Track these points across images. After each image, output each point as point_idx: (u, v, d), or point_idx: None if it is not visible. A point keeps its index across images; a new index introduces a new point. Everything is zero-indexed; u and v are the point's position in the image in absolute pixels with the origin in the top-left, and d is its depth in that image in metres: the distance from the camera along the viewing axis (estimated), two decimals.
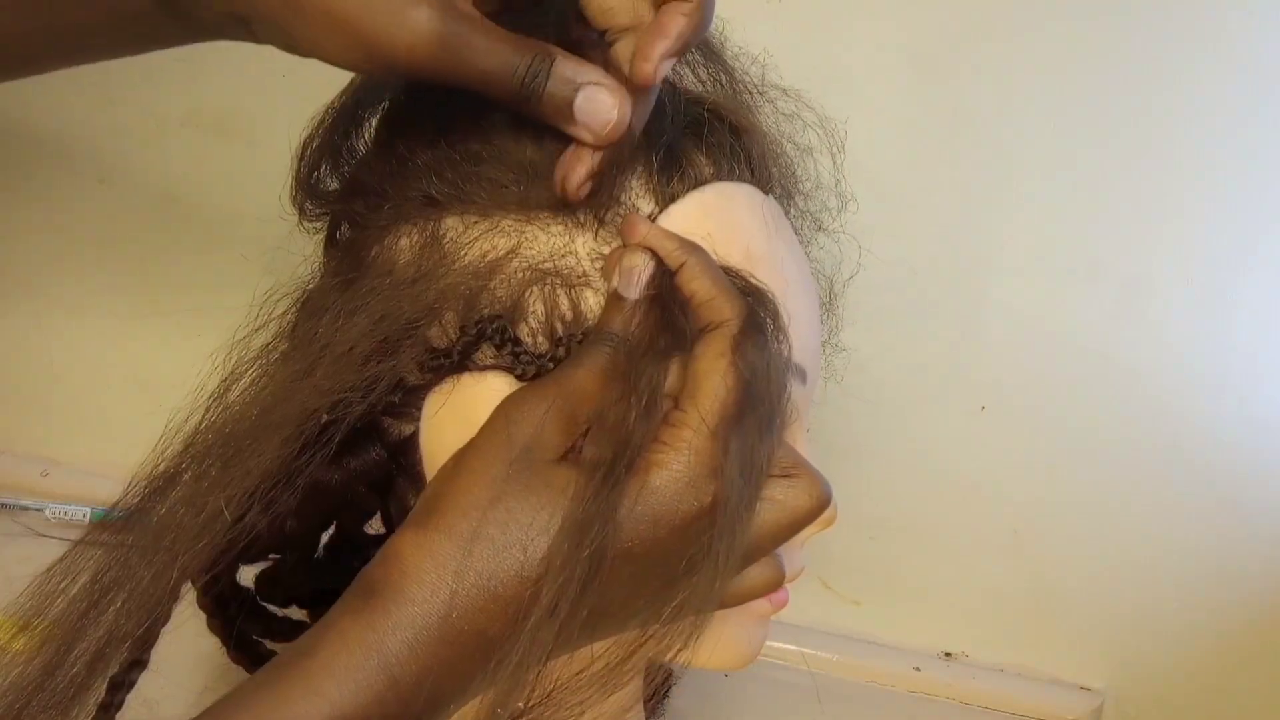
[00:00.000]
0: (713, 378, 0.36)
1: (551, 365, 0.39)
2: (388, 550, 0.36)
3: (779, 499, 0.38)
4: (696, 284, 0.38)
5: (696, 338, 0.37)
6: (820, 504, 0.39)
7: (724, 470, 0.35)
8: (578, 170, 0.38)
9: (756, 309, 0.39)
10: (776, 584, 0.40)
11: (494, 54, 0.35)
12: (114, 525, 0.40)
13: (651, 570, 0.36)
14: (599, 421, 0.36)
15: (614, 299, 0.38)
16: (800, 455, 0.40)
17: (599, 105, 0.37)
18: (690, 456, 0.35)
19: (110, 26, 0.40)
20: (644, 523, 0.35)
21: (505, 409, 0.37)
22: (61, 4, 0.39)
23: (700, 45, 0.46)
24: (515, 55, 0.36)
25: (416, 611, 0.34)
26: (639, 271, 0.37)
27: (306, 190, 0.46)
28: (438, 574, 0.34)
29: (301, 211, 0.47)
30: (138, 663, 0.42)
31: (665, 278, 0.38)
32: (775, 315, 0.40)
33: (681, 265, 0.38)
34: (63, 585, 0.39)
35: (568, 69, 0.36)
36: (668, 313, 0.38)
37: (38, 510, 0.75)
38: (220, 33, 0.38)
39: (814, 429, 0.48)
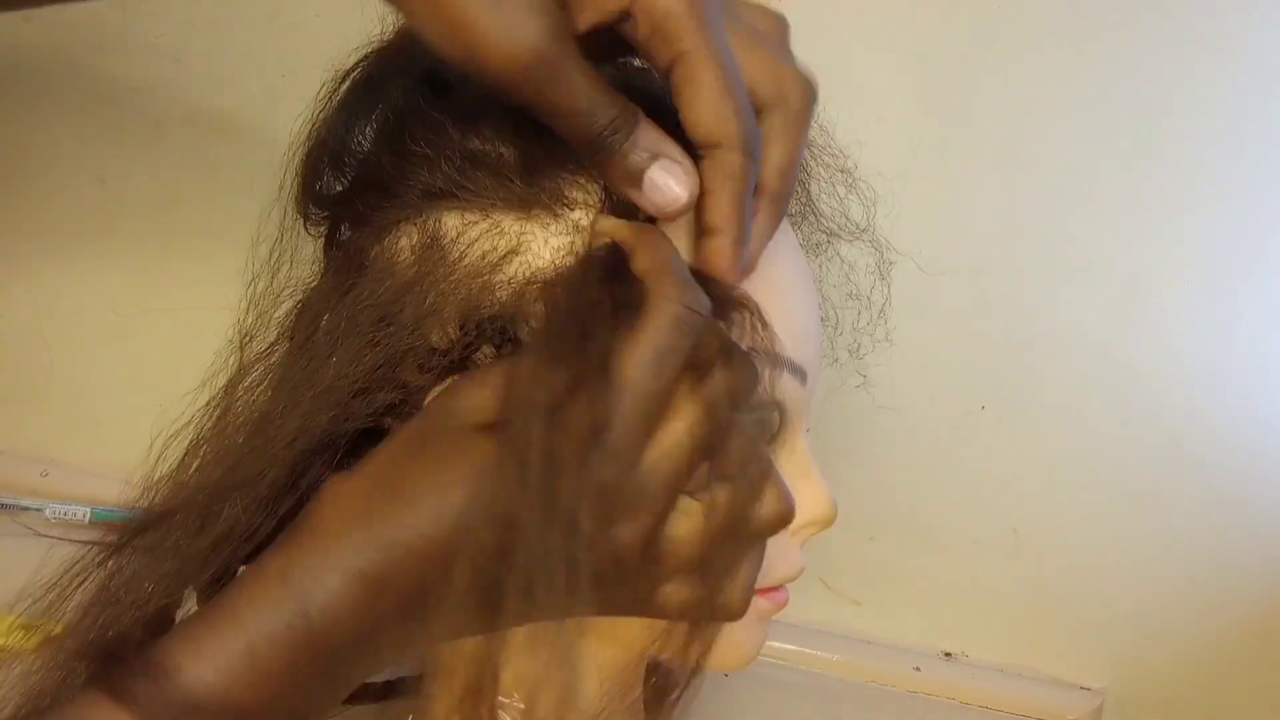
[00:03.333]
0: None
1: None
2: (322, 490, 0.36)
3: (723, 504, 0.36)
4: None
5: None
6: (780, 520, 0.37)
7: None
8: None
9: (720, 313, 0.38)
10: (737, 609, 0.38)
11: (584, 95, 0.35)
12: (118, 527, 0.40)
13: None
14: (527, 399, 0.35)
15: (555, 280, 0.38)
16: (770, 466, 0.38)
17: (670, 183, 0.37)
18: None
19: None
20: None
21: (456, 382, 0.37)
22: None
23: None
24: (603, 104, 0.35)
25: (333, 553, 0.34)
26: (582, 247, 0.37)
27: (311, 196, 0.46)
28: (356, 519, 0.34)
29: (305, 217, 0.47)
30: None
31: (608, 256, 0.37)
32: (760, 323, 0.40)
33: (632, 249, 0.37)
34: (67, 588, 0.39)
35: (650, 138, 0.36)
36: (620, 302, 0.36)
37: (38, 510, 0.75)
38: None
39: (814, 429, 0.48)
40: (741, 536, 0.37)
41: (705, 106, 0.35)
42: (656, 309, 0.35)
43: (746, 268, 0.38)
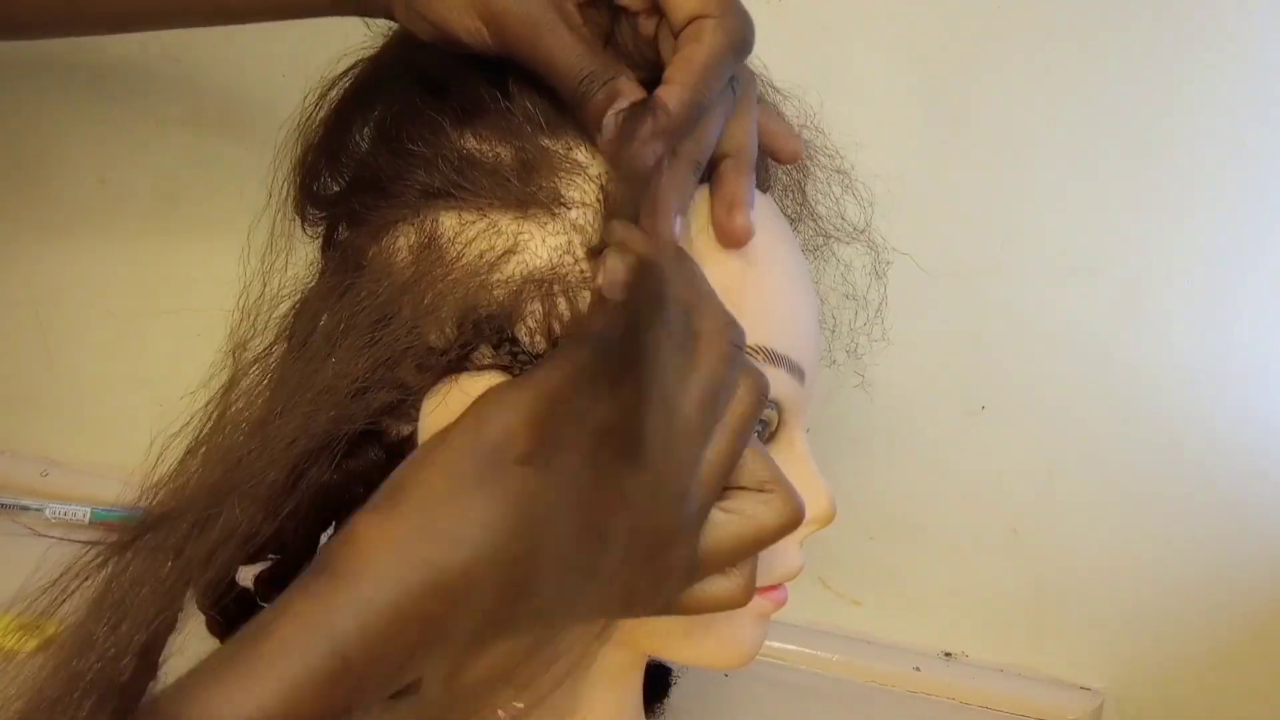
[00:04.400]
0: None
1: None
2: (347, 531, 0.36)
3: (747, 513, 0.38)
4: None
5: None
6: (791, 522, 0.38)
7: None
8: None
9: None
10: (740, 599, 0.39)
11: (569, 51, 0.39)
12: (118, 527, 0.40)
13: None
14: (573, 431, 0.36)
15: (598, 300, 0.38)
16: (778, 471, 0.39)
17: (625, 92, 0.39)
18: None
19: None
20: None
21: (479, 405, 0.37)
22: None
23: None
24: (584, 60, 0.39)
25: (368, 594, 0.34)
26: (621, 272, 0.37)
27: (308, 196, 0.46)
28: (391, 559, 0.35)
29: (303, 218, 0.47)
30: (146, 669, 0.42)
31: (651, 282, 0.38)
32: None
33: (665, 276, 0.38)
34: (68, 590, 0.39)
35: (622, 87, 0.39)
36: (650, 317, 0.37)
37: (38, 510, 0.75)
38: (369, 10, 0.43)
39: (814, 429, 0.48)
40: (759, 540, 0.38)
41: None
42: (711, 347, 0.36)
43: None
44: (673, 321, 0.36)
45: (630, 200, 0.38)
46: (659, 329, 0.36)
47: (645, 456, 0.34)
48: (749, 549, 0.38)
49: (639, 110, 0.38)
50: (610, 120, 0.38)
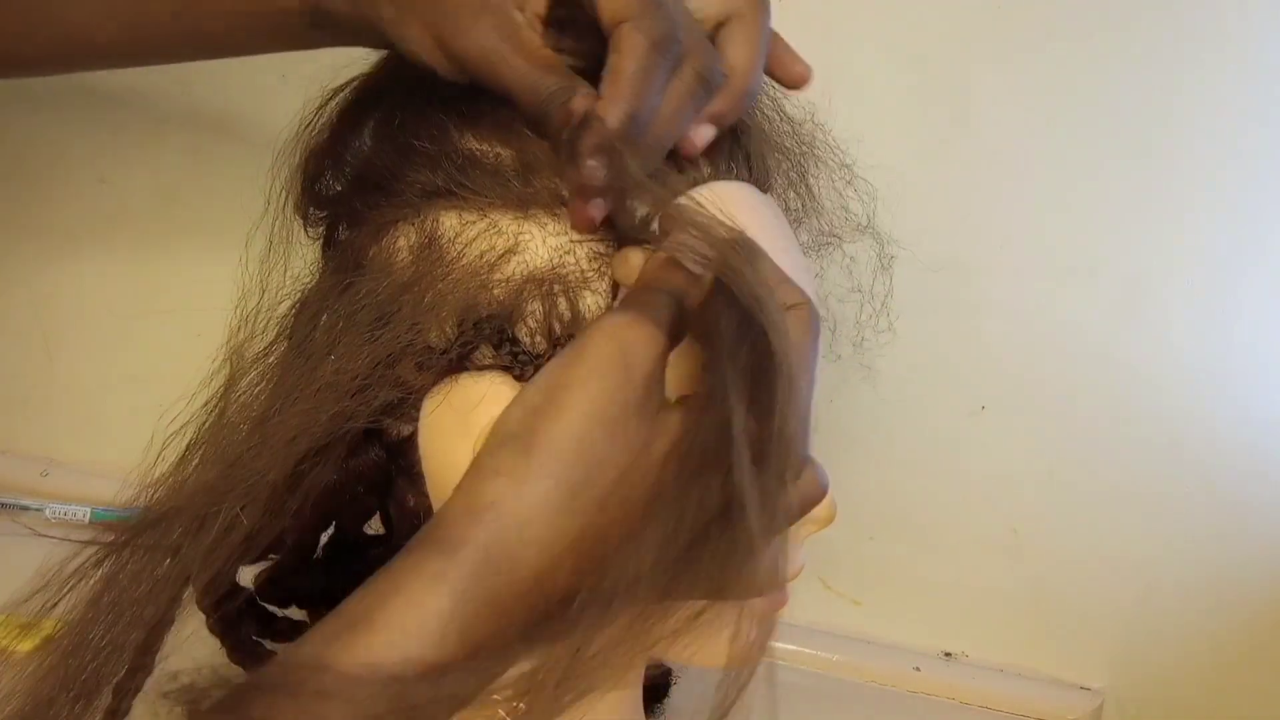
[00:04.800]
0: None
1: None
2: (474, 501, 0.33)
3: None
4: None
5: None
6: (820, 495, 0.38)
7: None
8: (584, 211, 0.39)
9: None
10: (780, 580, 0.38)
11: (524, 78, 0.39)
12: (119, 527, 0.40)
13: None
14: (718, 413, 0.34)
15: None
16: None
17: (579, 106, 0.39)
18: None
19: (253, 37, 0.45)
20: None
21: (620, 341, 0.34)
22: (211, 14, 0.45)
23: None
24: (539, 83, 0.39)
25: (504, 580, 0.32)
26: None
27: (310, 198, 0.46)
28: (538, 528, 0.32)
29: (304, 218, 0.47)
30: (142, 667, 0.42)
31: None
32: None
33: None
34: (67, 589, 0.39)
35: (577, 104, 0.38)
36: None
37: (38, 510, 0.75)
38: (357, 40, 0.44)
39: (815, 428, 0.48)
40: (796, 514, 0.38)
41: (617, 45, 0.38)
42: (800, 319, 0.36)
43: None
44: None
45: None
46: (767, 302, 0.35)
47: (777, 420, 0.33)
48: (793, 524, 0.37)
49: (580, 129, 0.38)
50: (563, 143, 0.39)
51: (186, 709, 0.31)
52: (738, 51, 0.42)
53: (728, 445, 0.33)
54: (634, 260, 0.39)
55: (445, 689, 0.31)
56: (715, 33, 0.43)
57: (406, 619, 0.31)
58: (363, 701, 0.30)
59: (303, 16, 0.43)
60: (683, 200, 0.38)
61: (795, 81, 0.46)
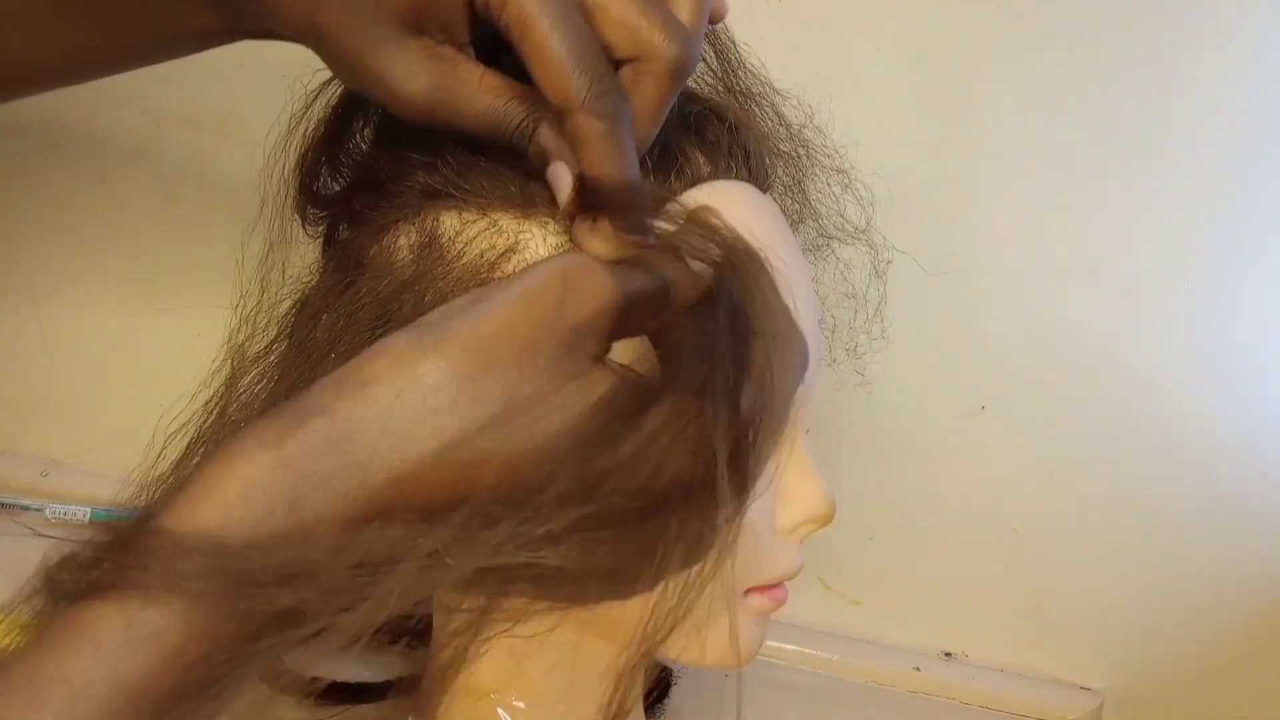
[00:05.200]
0: None
1: None
2: (350, 375, 0.32)
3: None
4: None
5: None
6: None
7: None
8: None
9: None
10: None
11: (484, 116, 0.38)
12: (118, 527, 0.40)
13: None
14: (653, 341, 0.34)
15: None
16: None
17: (559, 178, 0.38)
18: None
19: (173, 45, 0.43)
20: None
21: (566, 274, 0.34)
22: (125, 23, 0.43)
23: (708, 39, 0.46)
24: (504, 115, 0.38)
25: (351, 464, 0.30)
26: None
27: (309, 197, 0.46)
28: (408, 422, 0.31)
29: (304, 218, 0.47)
30: None
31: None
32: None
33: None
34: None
35: (547, 140, 0.38)
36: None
37: (38, 510, 0.75)
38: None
39: (814, 429, 0.48)
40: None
41: (541, 70, 0.36)
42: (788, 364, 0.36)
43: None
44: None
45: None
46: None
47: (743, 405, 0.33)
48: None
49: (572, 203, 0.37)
50: (552, 177, 0.38)
51: (47, 593, 0.31)
52: (635, 100, 0.39)
53: (693, 440, 0.32)
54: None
55: (279, 560, 0.29)
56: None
57: (229, 486, 0.30)
58: (191, 567, 0.29)
59: (223, 37, 0.41)
60: (703, 209, 0.38)
61: (716, 16, 0.44)
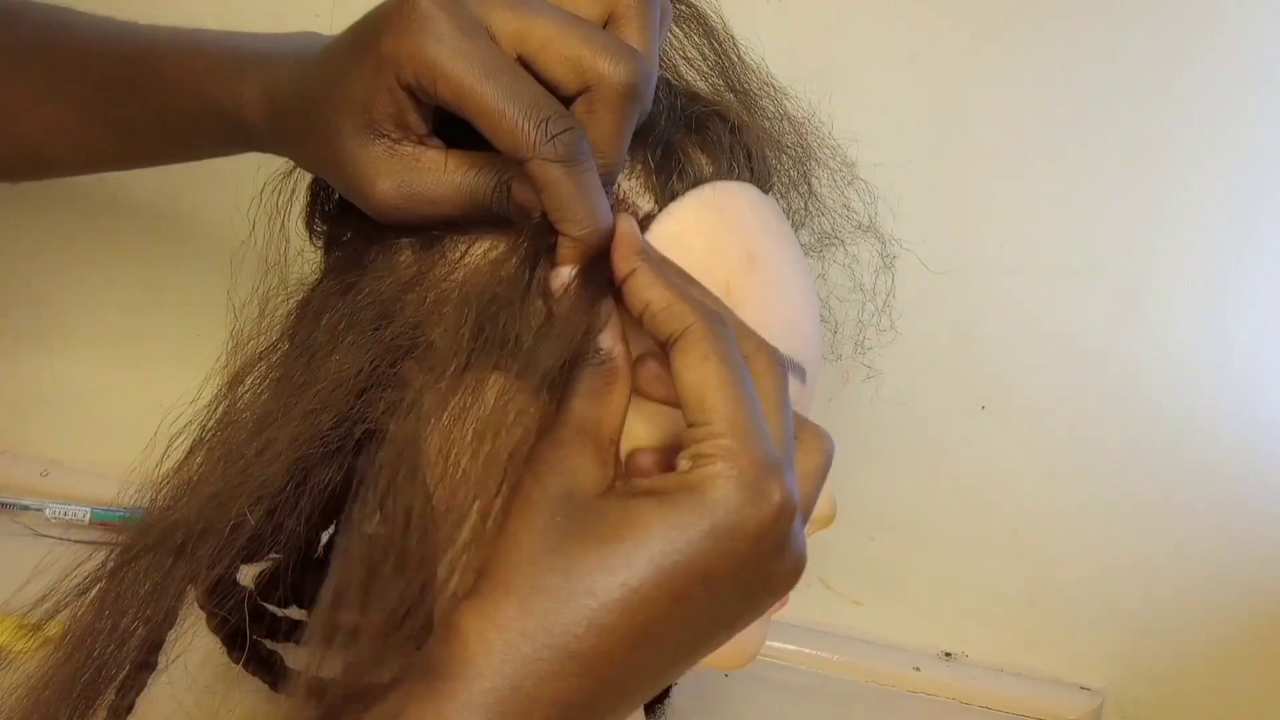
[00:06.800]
0: (711, 384, 0.35)
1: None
2: (445, 626, 0.34)
3: (803, 464, 0.38)
4: (648, 293, 0.37)
5: (667, 350, 0.36)
6: (830, 450, 0.39)
7: (778, 463, 0.34)
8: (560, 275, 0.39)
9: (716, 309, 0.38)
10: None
11: (455, 196, 0.38)
12: (120, 527, 0.40)
13: (728, 586, 0.34)
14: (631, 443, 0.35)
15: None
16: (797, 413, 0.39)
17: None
18: (741, 461, 0.34)
19: (188, 158, 0.48)
20: (721, 539, 0.33)
21: (529, 471, 0.36)
22: (153, 142, 0.47)
23: (709, 38, 0.46)
24: (474, 188, 0.38)
25: (487, 686, 0.32)
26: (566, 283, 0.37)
27: (320, 216, 0.46)
28: (504, 640, 0.32)
29: (311, 231, 0.47)
30: (146, 665, 0.42)
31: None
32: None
33: (629, 274, 0.37)
34: (69, 588, 0.39)
35: (521, 195, 0.38)
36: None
37: (38, 510, 0.75)
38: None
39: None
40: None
41: (491, 131, 0.36)
42: (707, 357, 0.36)
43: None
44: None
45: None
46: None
47: (726, 458, 0.34)
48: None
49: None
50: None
51: None
52: (633, 37, 0.39)
53: None
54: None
55: None
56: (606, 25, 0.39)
57: None
58: None
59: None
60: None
61: None
